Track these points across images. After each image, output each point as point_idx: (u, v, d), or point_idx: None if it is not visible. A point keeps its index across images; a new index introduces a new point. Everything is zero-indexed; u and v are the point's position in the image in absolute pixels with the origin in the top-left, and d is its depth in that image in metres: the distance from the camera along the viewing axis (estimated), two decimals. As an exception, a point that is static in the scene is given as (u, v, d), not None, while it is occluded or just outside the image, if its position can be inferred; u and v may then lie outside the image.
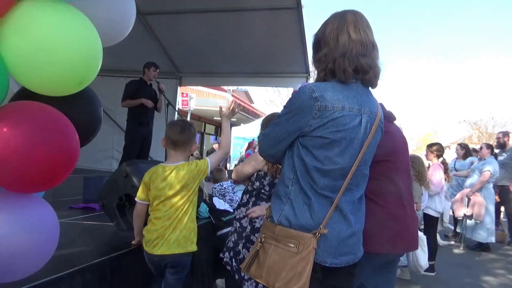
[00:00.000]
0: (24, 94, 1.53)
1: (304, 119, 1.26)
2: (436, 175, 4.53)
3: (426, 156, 4.97)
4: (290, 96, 1.51)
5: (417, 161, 4.14)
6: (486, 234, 5.60)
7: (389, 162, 1.68)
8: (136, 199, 2.16)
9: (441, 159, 4.80)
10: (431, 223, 4.57)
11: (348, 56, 1.29)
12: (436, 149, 4.81)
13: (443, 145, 5.14)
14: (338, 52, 1.30)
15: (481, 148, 6.04)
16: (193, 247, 2.10)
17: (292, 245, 1.24)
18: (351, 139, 1.27)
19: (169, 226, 2.02)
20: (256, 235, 2.25)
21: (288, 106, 1.32)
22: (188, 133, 2.15)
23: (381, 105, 1.88)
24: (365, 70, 1.30)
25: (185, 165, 2.11)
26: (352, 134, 1.27)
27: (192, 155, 2.08)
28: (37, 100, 1.48)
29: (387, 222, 1.62)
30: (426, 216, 4.54)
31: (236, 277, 2.32)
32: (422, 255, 3.85)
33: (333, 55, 1.31)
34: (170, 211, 2.03)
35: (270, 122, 1.97)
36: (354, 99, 1.29)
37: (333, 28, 1.33)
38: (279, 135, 1.34)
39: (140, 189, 2.15)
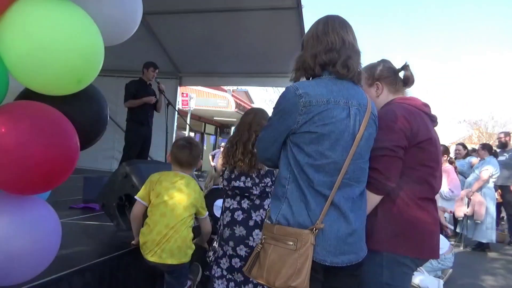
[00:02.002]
0: (28, 94, 1.52)
1: (291, 117, 1.29)
2: (455, 180, 4.54)
3: None
4: None
5: None
6: (487, 234, 5.60)
7: (430, 168, 1.57)
8: (136, 197, 2.15)
9: (447, 158, 4.78)
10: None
11: (315, 53, 1.37)
12: (444, 150, 4.78)
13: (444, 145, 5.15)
14: (308, 53, 1.39)
15: (478, 149, 6.05)
16: (186, 259, 2.10)
17: (291, 243, 1.24)
18: (340, 132, 1.29)
19: (165, 235, 2.01)
20: (226, 229, 2.27)
21: (276, 107, 1.37)
22: (195, 154, 2.24)
23: (427, 106, 1.71)
24: (332, 63, 1.35)
25: (196, 186, 2.19)
26: (340, 126, 1.29)
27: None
28: (40, 100, 1.47)
29: (432, 227, 1.56)
30: None
31: (206, 273, 2.35)
32: None
33: (304, 56, 1.41)
34: (169, 220, 2.03)
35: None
36: (340, 92, 1.32)
37: (307, 34, 1.45)
38: (271, 136, 1.37)
39: (144, 187, 2.14)
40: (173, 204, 2.04)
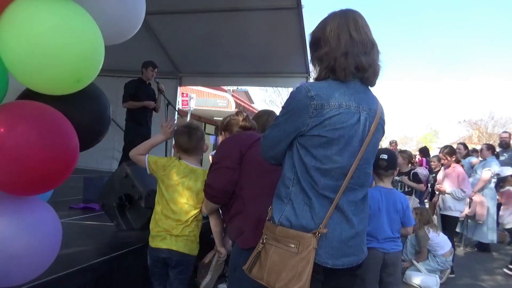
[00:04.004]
0: (28, 93, 1.52)
1: (301, 118, 1.26)
2: (466, 180, 4.51)
3: (443, 161, 4.80)
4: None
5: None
6: (487, 234, 5.59)
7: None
8: (148, 157, 2.17)
9: (454, 159, 4.73)
10: (453, 224, 4.61)
11: (350, 54, 1.28)
12: (450, 151, 4.72)
13: (443, 145, 5.11)
14: (340, 51, 1.29)
15: (481, 149, 6.03)
16: (195, 252, 2.13)
17: (293, 245, 1.23)
18: (349, 137, 1.27)
19: (177, 228, 2.04)
20: None
21: (285, 107, 1.32)
22: (195, 137, 2.19)
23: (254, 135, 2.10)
24: (365, 68, 1.30)
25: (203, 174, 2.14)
26: (350, 132, 1.27)
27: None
28: (40, 100, 1.46)
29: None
30: (449, 218, 4.51)
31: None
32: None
33: (334, 53, 1.29)
34: (181, 213, 2.05)
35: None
36: (352, 96, 1.28)
37: (334, 28, 1.32)
38: (278, 136, 1.34)
39: (157, 163, 2.15)
40: (182, 202, 2.07)
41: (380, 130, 1.37)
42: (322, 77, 1.34)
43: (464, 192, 4.39)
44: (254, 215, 1.67)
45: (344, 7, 1.39)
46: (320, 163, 1.26)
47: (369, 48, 1.31)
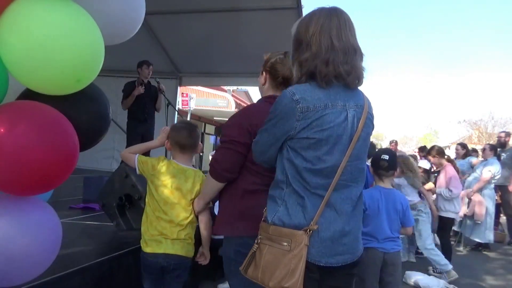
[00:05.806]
0: (29, 93, 1.52)
1: (288, 122, 1.27)
2: (454, 178, 4.47)
3: (434, 162, 4.76)
4: None
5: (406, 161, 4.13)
6: (485, 234, 5.59)
7: None
8: (138, 157, 2.10)
9: (446, 156, 4.72)
10: (447, 225, 4.57)
11: (330, 63, 1.28)
12: (438, 151, 4.70)
13: (443, 145, 5.12)
14: (320, 58, 1.29)
15: (484, 149, 6.02)
16: (191, 254, 2.09)
17: (285, 243, 1.24)
18: (338, 136, 1.27)
19: (170, 230, 2.00)
20: None
21: (272, 112, 1.34)
22: (195, 136, 2.17)
23: None
24: (343, 77, 1.30)
25: (199, 176, 2.09)
26: (338, 130, 1.27)
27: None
28: (40, 100, 1.46)
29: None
30: (443, 218, 4.47)
31: None
32: None
33: (314, 61, 1.30)
34: (172, 214, 2.02)
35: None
36: (337, 95, 1.29)
37: (316, 31, 1.31)
38: (268, 141, 1.36)
39: (146, 164, 2.09)
40: (172, 203, 2.03)
41: (369, 124, 1.38)
42: (303, 82, 1.34)
43: (450, 191, 4.34)
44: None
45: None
46: (310, 164, 1.27)
47: (351, 55, 1.30)
